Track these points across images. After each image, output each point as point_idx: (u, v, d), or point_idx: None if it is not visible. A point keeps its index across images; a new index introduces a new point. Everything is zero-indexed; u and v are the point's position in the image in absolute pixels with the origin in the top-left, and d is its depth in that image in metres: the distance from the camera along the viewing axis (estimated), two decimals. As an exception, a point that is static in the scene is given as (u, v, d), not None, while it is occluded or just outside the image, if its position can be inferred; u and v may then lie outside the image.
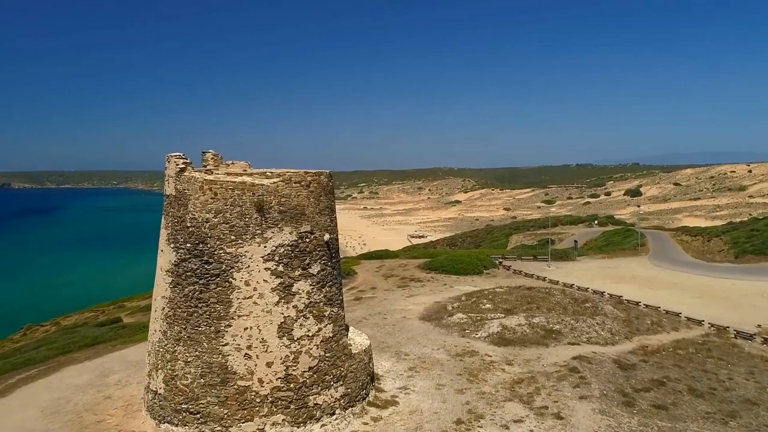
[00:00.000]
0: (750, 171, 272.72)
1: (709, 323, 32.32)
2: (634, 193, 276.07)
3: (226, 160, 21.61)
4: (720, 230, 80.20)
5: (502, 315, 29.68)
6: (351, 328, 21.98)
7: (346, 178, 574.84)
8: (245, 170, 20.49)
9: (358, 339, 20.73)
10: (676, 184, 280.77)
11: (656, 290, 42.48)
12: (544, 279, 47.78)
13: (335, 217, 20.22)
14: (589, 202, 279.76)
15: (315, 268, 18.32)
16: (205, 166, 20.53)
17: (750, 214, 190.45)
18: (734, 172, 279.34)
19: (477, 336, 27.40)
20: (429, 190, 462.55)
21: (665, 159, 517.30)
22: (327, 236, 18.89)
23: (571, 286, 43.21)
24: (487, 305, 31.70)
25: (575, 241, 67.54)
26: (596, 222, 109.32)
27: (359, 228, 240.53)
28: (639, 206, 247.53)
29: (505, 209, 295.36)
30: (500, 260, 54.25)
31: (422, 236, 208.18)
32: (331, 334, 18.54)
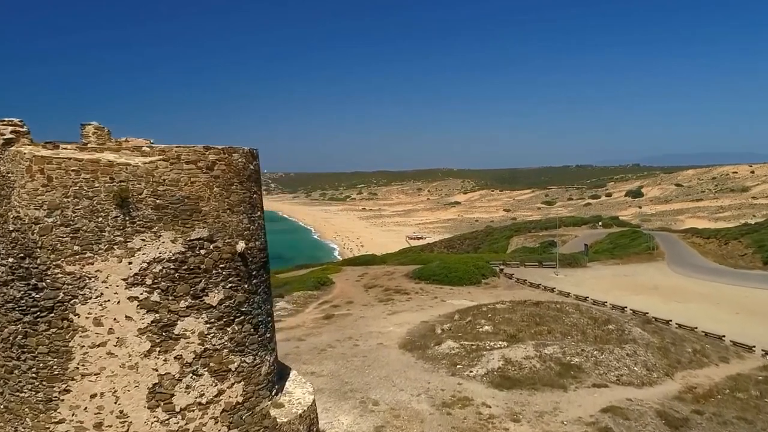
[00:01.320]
0: (752, 172, 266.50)
1: (762, 350, 25.86)
2: (636, 194, 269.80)
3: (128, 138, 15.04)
4: (737, 232, 73.86)
5: (505, 343, 23.16)
6: (292, 373, 15.46)
7: (346, 179, 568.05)
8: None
9: (296, 393, 14.17)
10: (677, 185, 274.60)
11: (685, 303, 36.28)
12: (552, 290, 41.56)
13: (261, 216, 13.71)
14: (589, 203, 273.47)
15: (215, 296, 11.72)
16: (85, 144, 13.93)
17: (754, 216, 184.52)
18: (736, 173, 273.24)
19: (472, 374, 20.84)
20: (428, 191, 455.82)
21: (666, 160, 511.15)
22: (241, 245, 12.34)
23: (585, 299, 37.02)
24: (486, 327, 25.26)
25: (586, 245, 60.62)
26: (600, 223, 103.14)
27: (357, 229, 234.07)
28: (640, 207, 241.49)
29: (505, 210, 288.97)
30: (501, 267, 47.99)
31: (421, 237, 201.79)
32: (240, 399, 11.94)
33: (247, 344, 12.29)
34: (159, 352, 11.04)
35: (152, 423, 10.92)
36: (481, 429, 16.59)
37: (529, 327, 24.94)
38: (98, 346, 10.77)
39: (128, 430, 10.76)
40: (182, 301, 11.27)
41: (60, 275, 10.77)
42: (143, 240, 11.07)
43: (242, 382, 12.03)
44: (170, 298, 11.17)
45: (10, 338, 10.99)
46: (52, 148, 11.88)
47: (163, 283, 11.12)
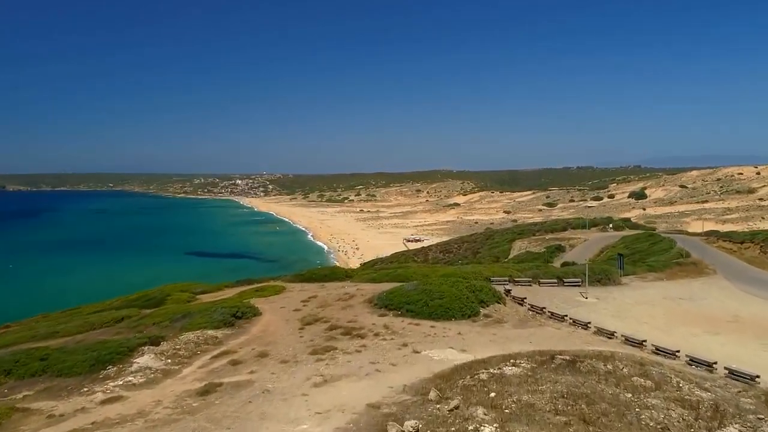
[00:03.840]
0: (758, 173, 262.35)
1: None
2: (639, 195, 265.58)
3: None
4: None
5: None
6: None
7: (344, 180, 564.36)
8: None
9: None
10: (681, 186, 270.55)
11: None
12: (586, 327, 28.45)
13: None
14: (592, 206, 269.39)
15: None
16: None
17: (762, 218, 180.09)
18: (741, 174, 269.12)
19: None
20: (427, 192, 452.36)
21: (667, 162, 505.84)
22: None
23: (642, 343, 24.88)
24: (487, 428, 12.78)
25: (620, 256, 47.87)
26: (611, 225, 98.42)
27: (353, 231, 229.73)
28: (644, 209, 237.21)
29: (505, 212, 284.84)
30: (507, 288, 35.92)
31: (419, 240, 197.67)
32: None
33: None
34: None
35: None
36: None
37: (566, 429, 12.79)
38: None
39: None
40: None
41: None
42: None
43: None
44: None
45: None
46: None
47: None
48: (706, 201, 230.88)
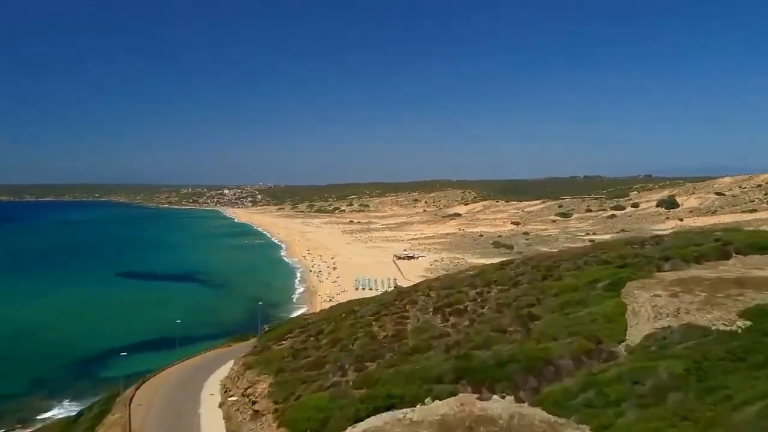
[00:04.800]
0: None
1: None
2: (669, 204, 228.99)
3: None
4: None
5: None
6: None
7: (339, 190, 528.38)
8: None
9: None
10: (718, 193, 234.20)
11: None
12: None
13: None
14: (614, 215, 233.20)
15: None
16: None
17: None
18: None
19: None
20: (425, 202, 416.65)
21: (676, 172, 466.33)
22: None
23: None
24: None
25: None
26: None
27: (336, 246, 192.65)
28: (681, 219, 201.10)
29: (513, 223, 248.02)
30: None
31: (412, 257, 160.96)
32: None
33: None
34: None
35: None
36: None
37: None
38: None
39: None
40: None
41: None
42: None
43: None
44: None
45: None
46: None
47: None
48: (754, 210, 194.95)
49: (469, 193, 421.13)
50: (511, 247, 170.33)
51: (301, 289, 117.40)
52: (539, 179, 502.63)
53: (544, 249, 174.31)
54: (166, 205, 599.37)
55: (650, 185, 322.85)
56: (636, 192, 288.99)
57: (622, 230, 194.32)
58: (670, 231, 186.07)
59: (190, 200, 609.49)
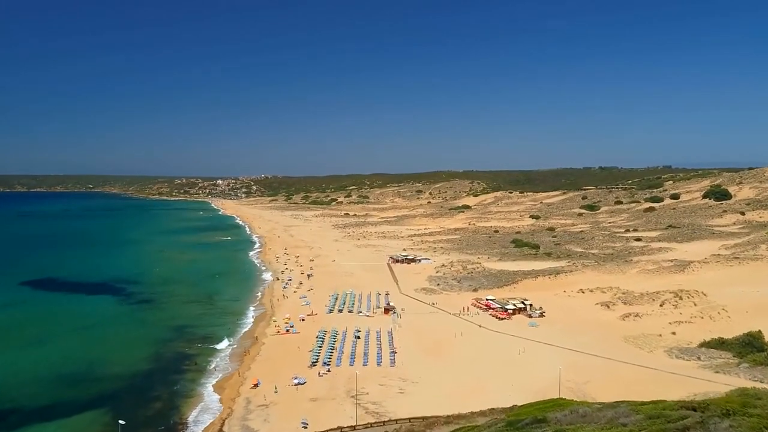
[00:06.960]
0: None
1: None
2: (720, 195, 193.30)
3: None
4: None
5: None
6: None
7: (338, 182, 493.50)
8: None
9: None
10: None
11: None
12: None
13: None
14: (652, 208, 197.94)
15: None
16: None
17: None
18: None
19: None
20: (429, 193, 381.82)
21: (694, 164, 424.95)
22: None
23: None
24: None
25: None
26: None
27: (321, 244, 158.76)
28: (743, 213, 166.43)
29: (532, 217, 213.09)
30: None
31: (412, 260, 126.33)
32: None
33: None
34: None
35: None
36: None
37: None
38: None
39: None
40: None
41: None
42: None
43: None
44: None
45: None
46: None
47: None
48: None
49: (479, 183, 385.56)
50: (536, 247, 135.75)
51: (254, 313, 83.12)
52: (552, 170, 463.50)
53: (578, 249, 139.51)
54: (156, 196, 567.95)
55: (680, 175, 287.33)
56: (671, 182, 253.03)
57: (670, 226, 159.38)
58: (732, 227, 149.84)
59: (182, 191, 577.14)
